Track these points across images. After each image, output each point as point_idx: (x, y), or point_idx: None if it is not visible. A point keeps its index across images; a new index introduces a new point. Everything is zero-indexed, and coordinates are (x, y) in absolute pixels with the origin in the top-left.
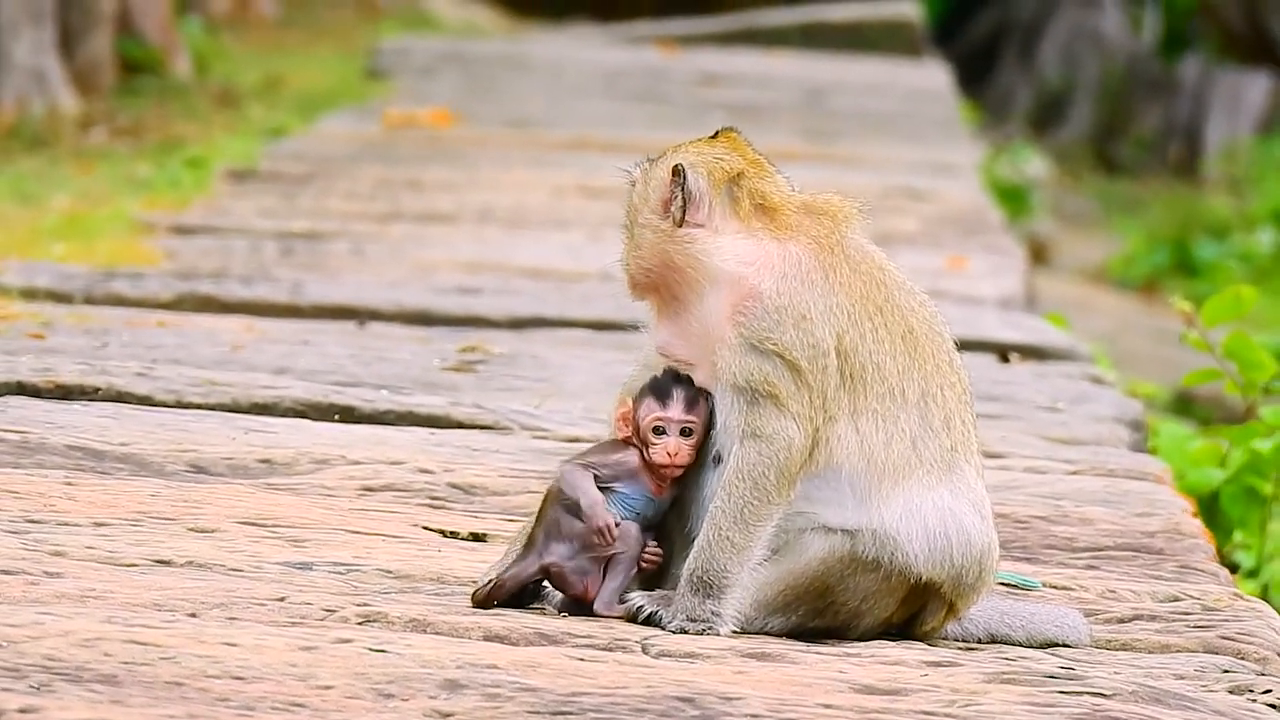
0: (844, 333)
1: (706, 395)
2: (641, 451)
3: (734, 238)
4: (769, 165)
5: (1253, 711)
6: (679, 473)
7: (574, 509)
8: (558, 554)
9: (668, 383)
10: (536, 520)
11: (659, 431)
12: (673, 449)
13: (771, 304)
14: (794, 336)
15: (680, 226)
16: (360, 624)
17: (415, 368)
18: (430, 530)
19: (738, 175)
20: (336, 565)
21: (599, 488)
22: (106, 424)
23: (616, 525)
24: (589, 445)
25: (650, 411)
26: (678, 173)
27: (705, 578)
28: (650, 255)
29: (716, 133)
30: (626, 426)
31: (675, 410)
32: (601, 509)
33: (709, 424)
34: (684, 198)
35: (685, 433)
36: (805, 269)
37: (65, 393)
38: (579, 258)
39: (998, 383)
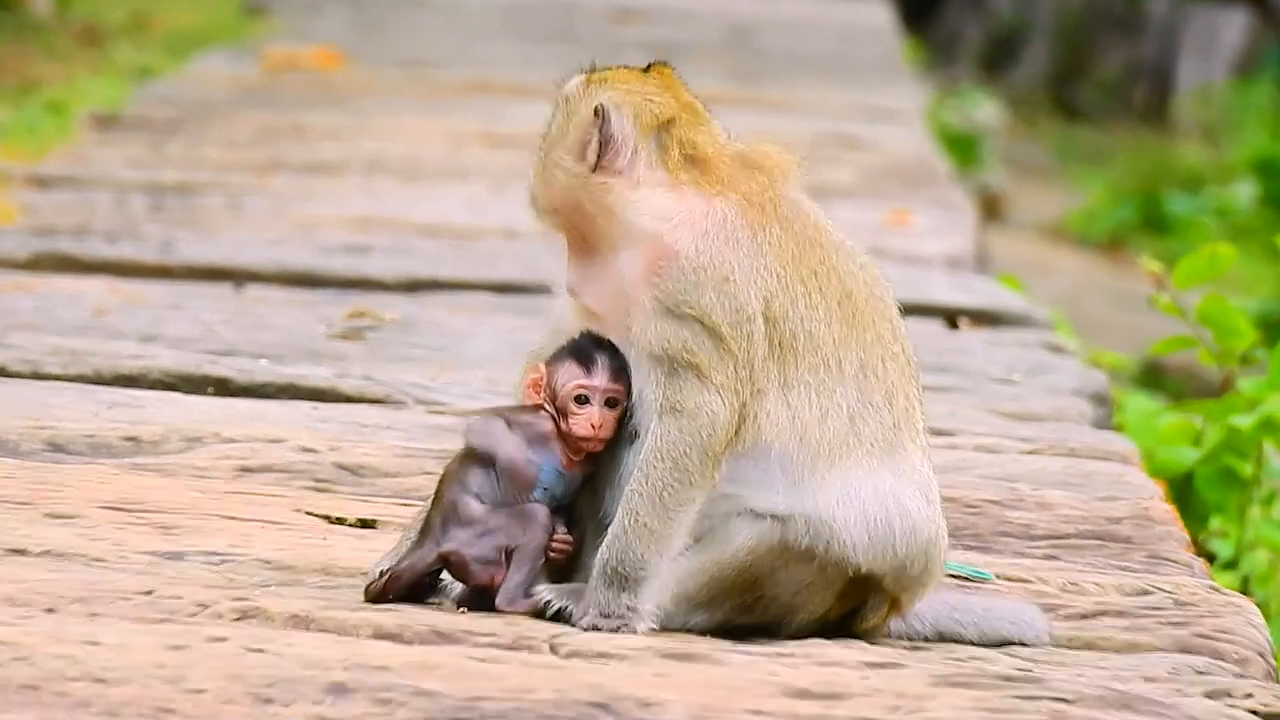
0: (772, 297)
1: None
2: (556, 422)
3: (654, 190)
4: (703, 110)
5: (1231, 718)
6: (600, 447)
7: (486, 462)
8: (458, 540)
9: (590, 347)
10: (433, 503)
11: (581, 400)
12: (597, 420)
13: (689, 264)
14: (714, 299)
15: (595, 173)
16: (236, 620)
17: (298, 335)
18: (314, 516)
19: (669, 121)
20: (210, 555)
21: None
22: None
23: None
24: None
25: (572, 378)
26: (599, 113)
27: (620, 569)
28: (559, 196)
29: (649, 66)
30: (538, 394)
31: (600, 378)
32: (523, 463)
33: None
34: (602, 142)
35: (610, 403)
36: (731, 227)
37: None
38: (480, 213)
39: (945, 352)
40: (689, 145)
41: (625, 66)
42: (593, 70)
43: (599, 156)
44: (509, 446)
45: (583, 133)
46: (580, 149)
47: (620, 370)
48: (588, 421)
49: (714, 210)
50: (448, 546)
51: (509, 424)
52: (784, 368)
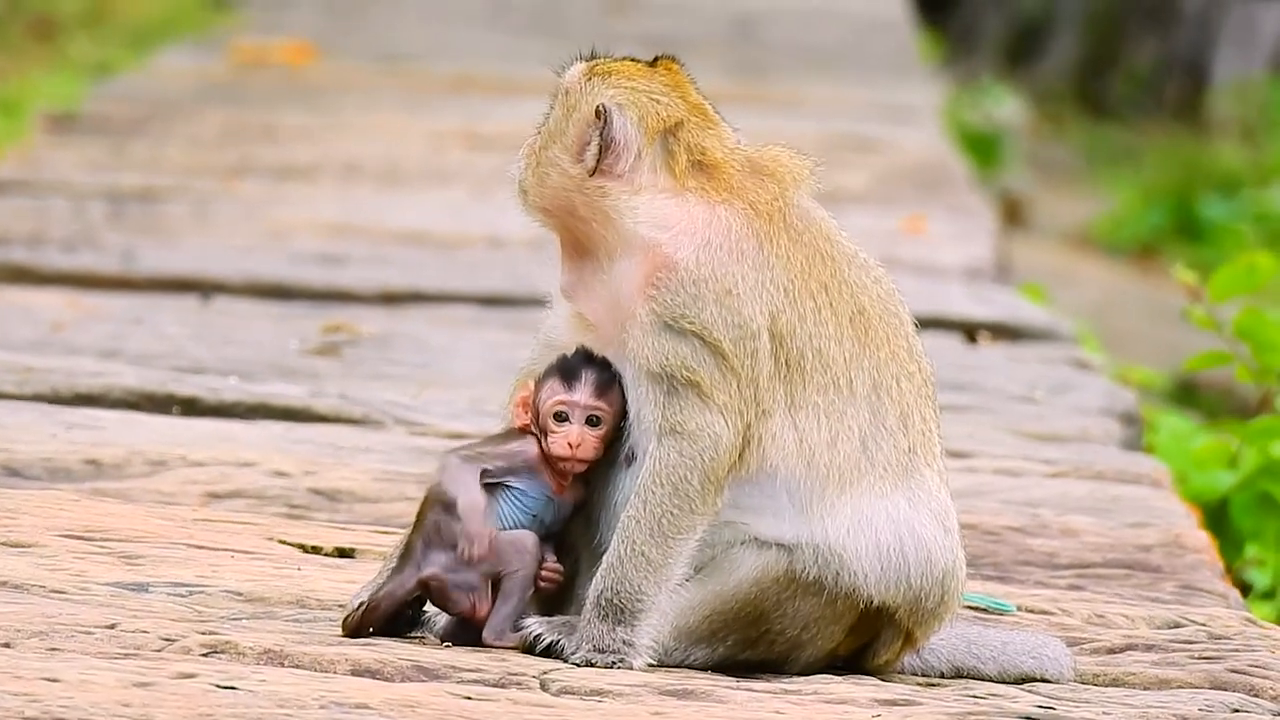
0: (779, 313)
1: (622, 380)
2: (540, 442)
3: (654, 196)
4: (712, 112)
5: None
6: (581, 468)
7: (452, 508)
8: (438, 564)
9: (577, 362)
10: (414, 526)
11: (561, 418)
12: (575, 439)
13: (689, 276)
14: (716, 314)
15: (593, 176)
16: (205, 656)
17: (269, 351)
18: (288, 544)
19: (676, 125)
20: (177, 586)
21: (489, 483)
22: None
23: (493, 542)
24: (476, 437)
25: (553, 394)
26: (601, 114)
27: (616, 600)
28: (552, 195)
29: (656, 60)
30: (526, 412)
31: (582, 394)
32: (479, 515)
33: (623, 414)
34: (602, 145)
35: (592, 421)
36: (735, 237)
37: None
38: (463, 219)
39: (964, 368)
40: (697, 150)
41: (631, 59)
42: (594, 59)
43: (598, 160)
44: (473, 493)
45: (582, 132)
46: (578, 149)
47: (606, 387)
48: (565, 440)
49: (717, 219)
50: (428, 571)
51: (486, 459)
52: (791, 388)
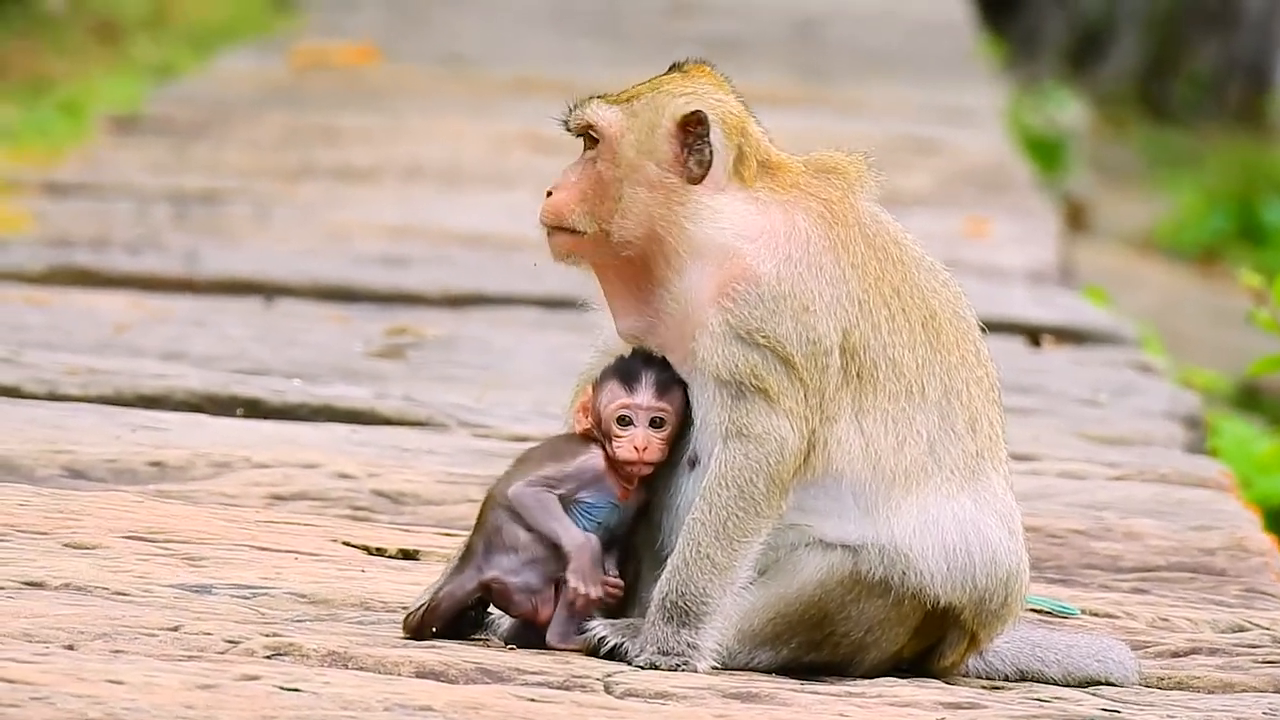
0: (853, 327)
1: (683, 381)
2: (604, 447)
3: (733, 200)
4: (751, 112)
5: None
6: (648, 470)
7: (557, 549)
8: (500, 567)
9: (636, 365)
10: (475, 528)
11: (624, 422)
12: (640, 442)
13: (769, 291)
14: (791, 329)
15: (698, 184)
16: (269, 658)
17: (333, 353)
18: (352, 546)
19: (745, 126)
20: (240, 588)
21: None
22: None
23: (617, 583)
24: (533, 444)
25: (614, 398)
26: (700, 121)
27: (680, 603)
28: (639, 222)
29: (680, 66)
30: (587, 418)
31: (644, 396)
32: (589, 554)
33: (685, 416)
34: (710, 152)
35: (656, 423)
36: (814, 250)
37: None
38: (525, 221)
39: (1027, 371)
40: (762, 151)
41: (665, 73)
42: (620, 94)
43: (705, 166)
44: (574, 532)
45: (672, 144)
46: (674, 161)
47: (667, 387)
48: (630, 444)
49: (797, 230)
50: (490, 574)
51: (557, 483)
52: (860, 396)
